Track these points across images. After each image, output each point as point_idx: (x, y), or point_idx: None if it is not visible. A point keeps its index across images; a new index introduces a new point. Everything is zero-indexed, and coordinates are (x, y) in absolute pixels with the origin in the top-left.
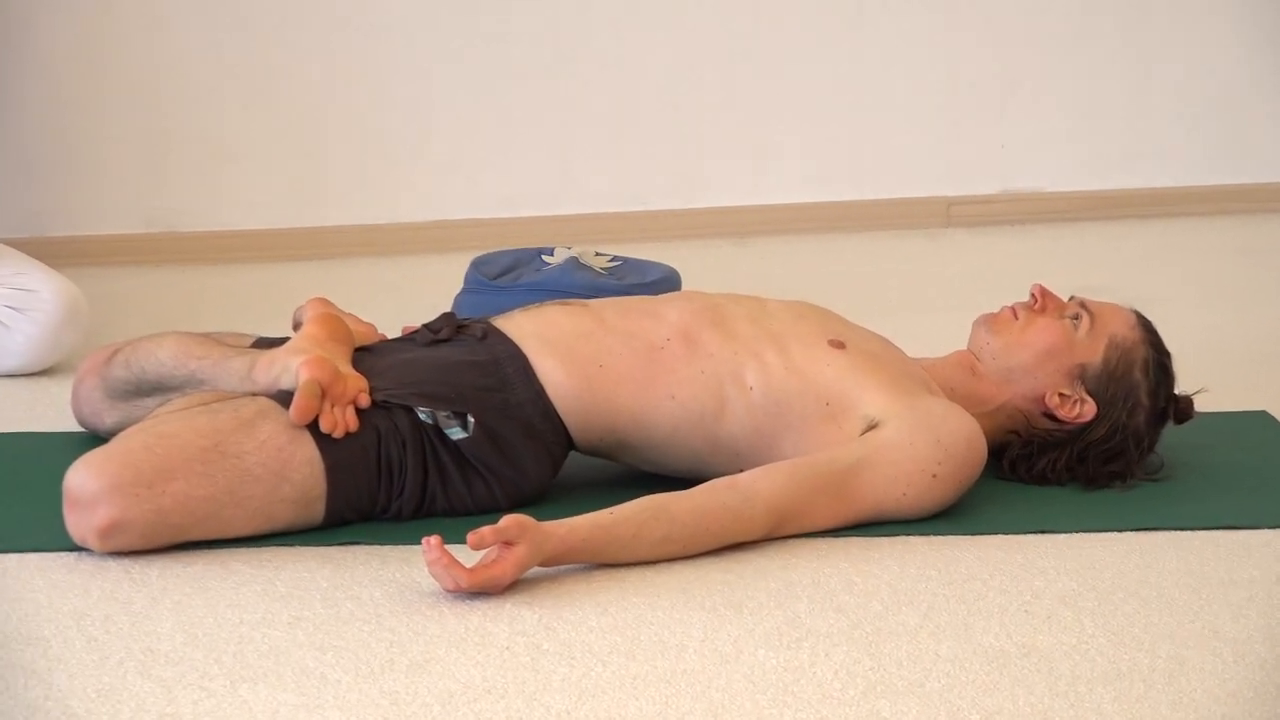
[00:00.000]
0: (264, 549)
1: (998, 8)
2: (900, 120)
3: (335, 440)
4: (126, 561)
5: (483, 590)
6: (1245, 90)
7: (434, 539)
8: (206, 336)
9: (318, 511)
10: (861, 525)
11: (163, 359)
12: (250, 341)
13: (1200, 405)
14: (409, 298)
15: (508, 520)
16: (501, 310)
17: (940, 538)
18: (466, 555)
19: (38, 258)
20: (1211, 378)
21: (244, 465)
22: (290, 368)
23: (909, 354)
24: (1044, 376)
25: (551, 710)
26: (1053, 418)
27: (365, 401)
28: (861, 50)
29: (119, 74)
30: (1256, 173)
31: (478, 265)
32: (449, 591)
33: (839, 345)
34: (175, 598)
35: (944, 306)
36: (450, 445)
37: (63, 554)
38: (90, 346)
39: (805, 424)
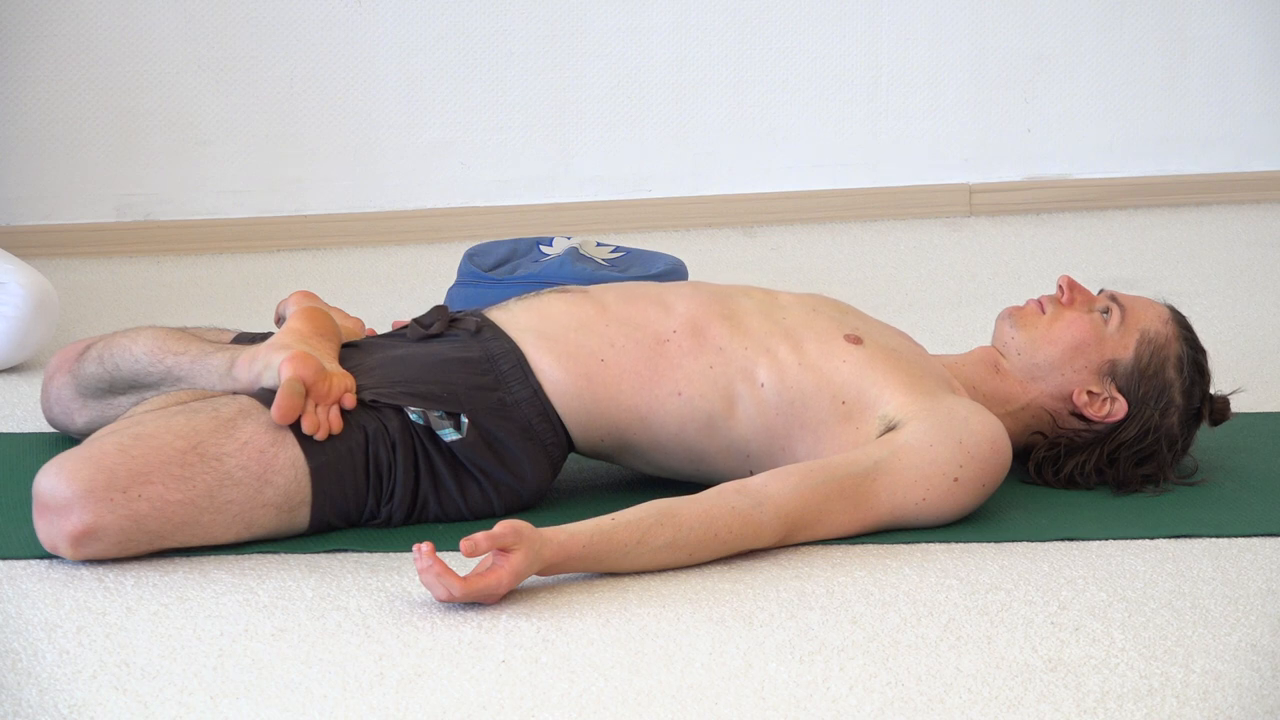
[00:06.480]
0: (246, 557)
1: None
2: (920, 102)
3: (321, 442)
4: (100, 570)
5: (477, 600)
6: None
7: (425, 546)
8: (184, 331)
9: (302, 517)
10: (879, 532)
11: (138, 355)
12: (230, 337)
13: (1237, 405)
14: (399, 291)
15: (503, 526)
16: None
17: (962, 545)
18: (460, 563)
19: (4, 248)
20: (1249, 376)
21: (224, 468)
22: (272, 364)
23: (929, 350)
24: (1072, 373)
25: None
26: (1081, 417)
27: (350, 402)
28: (879, 26)
29: (87, 52)
30: None
31: (472, 256)
32: (441, 601)
33: (855, 340)
34: (152, 608)
35: (966, 299)
36: (443, 447)
37: (32, 562)
38: (61, 342)
39: (820, 424)
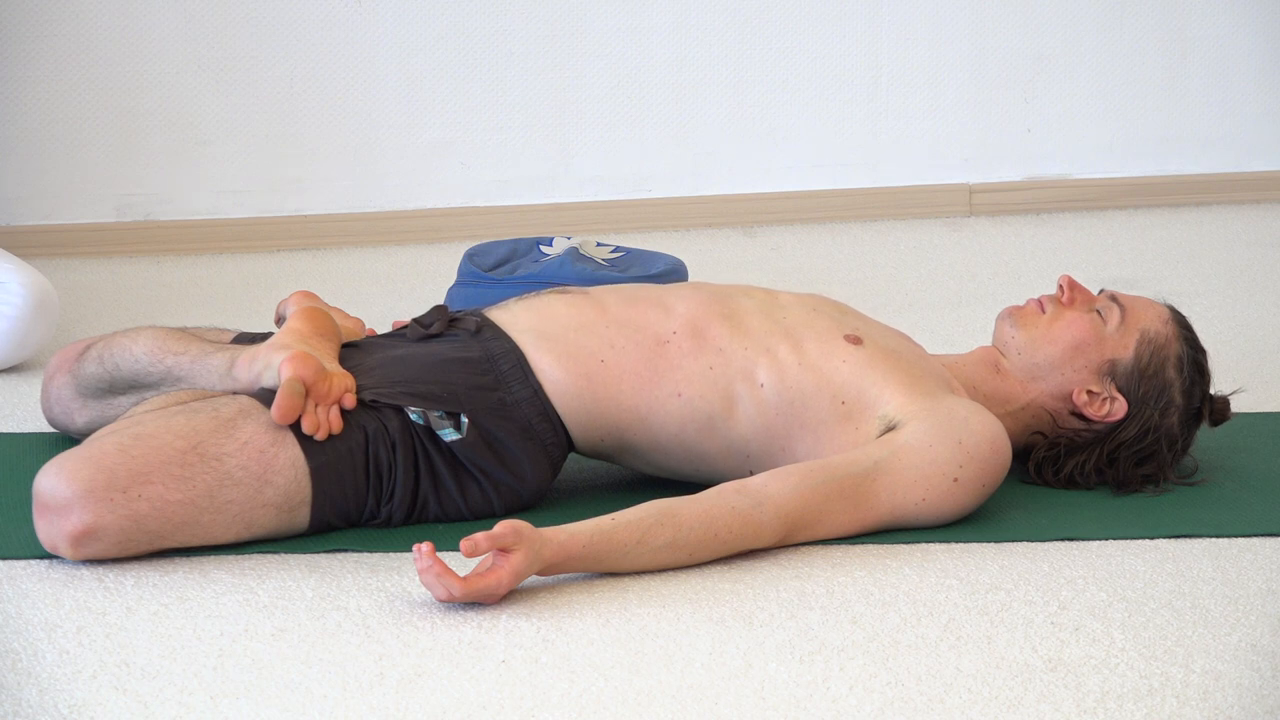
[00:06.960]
0: (246, 557)
1: None
2: (920, 101)
3: (321, 442)
4: (100, 570)
5: (477, 600)
6: None
7: (425, 546)
8: (184, 331)
9: (302, 517)
10: (879, 532)
11: (138, 355)
12: (230, 337)
13: (1237, 405)
14: (399, 290)
15: (503, 526)
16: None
17: (962, 545)
18: (460, 563)
19: (4, 248)
20: (1249, 376)
21: (224, 468)
22: (272, 364)
23: (928, 350)
24: (1072, 373)
25: None
26: (1081, 417)
27: (350, 402)
28: (879, 26)
29: (87, 52)
30: None
31: (472, 256)
32: (442, 602)
33: (855, 341)
34: (152, 608)
35: (966, 299)
36: (443, 447)
37: (32, 562)
38: (61, 342)
39: (819, 424)
